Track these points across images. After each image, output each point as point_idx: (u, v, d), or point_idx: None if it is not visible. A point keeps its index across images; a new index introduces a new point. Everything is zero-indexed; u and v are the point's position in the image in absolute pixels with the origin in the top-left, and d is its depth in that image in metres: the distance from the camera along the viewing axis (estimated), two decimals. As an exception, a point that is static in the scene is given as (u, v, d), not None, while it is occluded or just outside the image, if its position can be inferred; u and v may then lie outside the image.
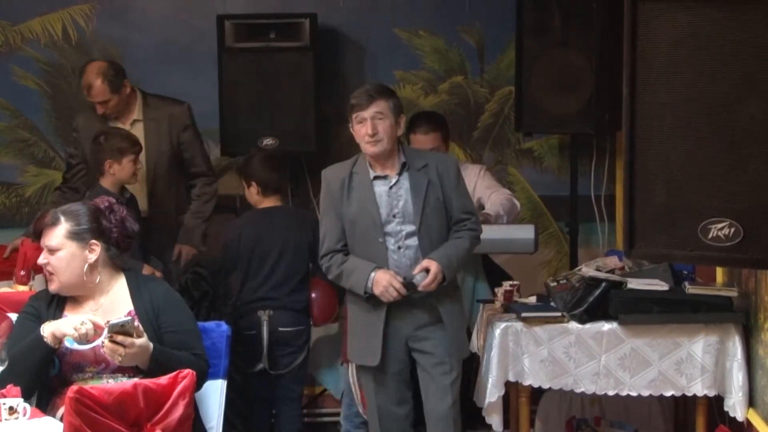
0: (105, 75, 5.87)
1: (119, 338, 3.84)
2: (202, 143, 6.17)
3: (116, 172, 5.60)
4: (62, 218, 4.11)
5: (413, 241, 4.70)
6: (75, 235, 4.09)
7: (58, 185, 6.23)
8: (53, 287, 4.12)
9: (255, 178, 5.74)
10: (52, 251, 4.09)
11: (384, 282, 4.62)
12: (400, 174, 4.73)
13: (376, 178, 4.74)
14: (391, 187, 4.72)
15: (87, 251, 4.10)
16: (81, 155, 6.03)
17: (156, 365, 3.91)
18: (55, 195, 6.14)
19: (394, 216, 4.71)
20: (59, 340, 3.92)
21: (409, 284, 4.66)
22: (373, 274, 4.65)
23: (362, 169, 4.76)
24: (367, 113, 4.66)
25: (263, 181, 5.72)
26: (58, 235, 4.09)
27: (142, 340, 3.90)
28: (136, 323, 3.92)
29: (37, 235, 4.20)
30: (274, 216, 5.71)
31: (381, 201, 4.72)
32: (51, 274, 4.11)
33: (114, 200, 4.31)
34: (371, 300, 4.70)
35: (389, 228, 4.71)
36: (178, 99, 6.15)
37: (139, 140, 5.74)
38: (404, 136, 5.43)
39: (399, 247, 4.71)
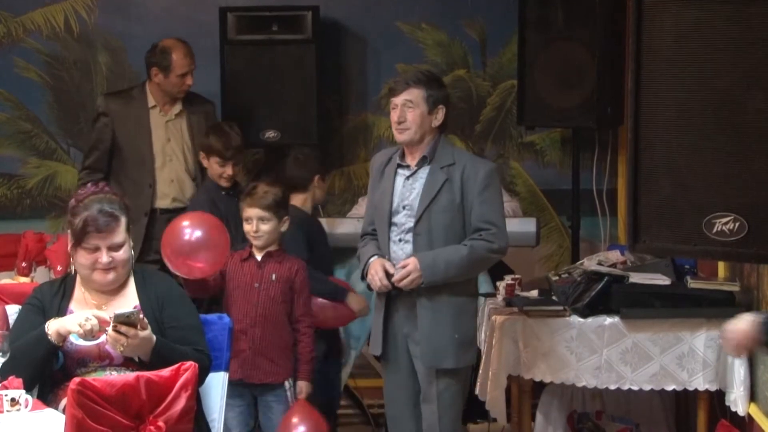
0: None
1: (123, 329, 3.83)
2: None
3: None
4: (118, 212, 4.04)
5: (412, 236, 4.66)
6: (128, 228, 4.09)
7: (81, 175, 6.05)
8: (112, 277, 4.05)
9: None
10: (116, 248, 4.03)
11: (372, 270, 4.62)
12: (419, 167, 4.67)
13: (399, 166, 4.70)
14: (407, 178, 4.68)
15: (131, 241, 4.12)
16: (109, 141, 5.95)
17: (158, 358, 3.90)
18: (84, 175, 5.96)
19: (403, 207, 4.66)
20: (64, 337, 3.91)
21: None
22: (370, 260, 4.66)
23: (397, 156, 4.74)
24: (398, 100, 4.63)
25: (283, 180, 5.64)
26: (122, 230, 4.04)
27: (146, 333, 3.88)
28: (141, 316, 3.90)
29: (78, 235, 4.06)
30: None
31: (396, 190, 4.68)
32: (111, 268, 4.04)
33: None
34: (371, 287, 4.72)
35: (396, 218, 4.67)
36: (205, 96, 6.16)
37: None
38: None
39: (399, 240, 4.68)
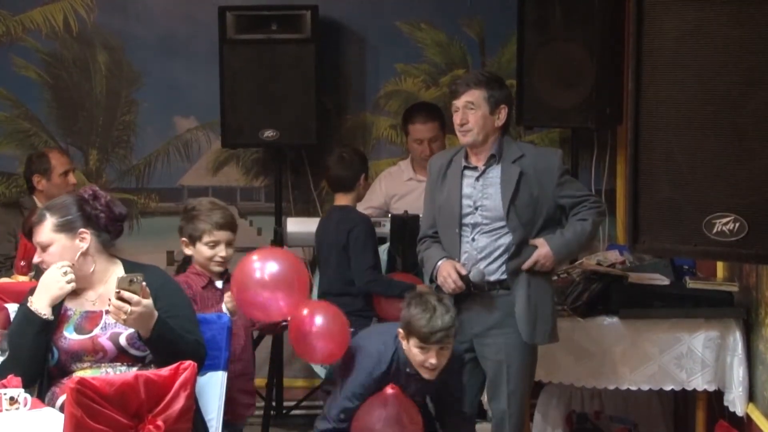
0: None
1: (126, 295, 3.81)
2: None
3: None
4: (47, 213, 4.08)
5: (489, 235, 4.61)
6: (62, 227, 4.06)
7: None
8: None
9: (325, 175, 5.70)
10: (44, 248, 4.07)
11: (444, 272, 4.58)
12: (488, 166, 4.65)
13: (466, 168, 4.68)
14: (477, 179, 4.66)
15: (77, 240, 4.08)
16: None
17: (158, 336, 3.87)
18: None
19: (476, 208, 4.63)
20: (56, 303, 3.95)
21: (466, 280, 4.57)
22: (439, 263, 4.62)
23: (459, 158, 4.71)
24: (459, 102, 4.63)
25: (328, 178, 5.65)
26: (46, 230, 4.06)
27: (149, 301, 3.86)
28: (144, 284, 3.87)
29: (28, 234, 4.15)
30: (332, 215, 5.57)
31: (465, 191, 4.65)
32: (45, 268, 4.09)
33: (97, 187, 4.27)
34: (441, 290, 4.64)
35: (468, 219, 4.63)
36: None
37: None
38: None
39: (473, 239, 4.63)
